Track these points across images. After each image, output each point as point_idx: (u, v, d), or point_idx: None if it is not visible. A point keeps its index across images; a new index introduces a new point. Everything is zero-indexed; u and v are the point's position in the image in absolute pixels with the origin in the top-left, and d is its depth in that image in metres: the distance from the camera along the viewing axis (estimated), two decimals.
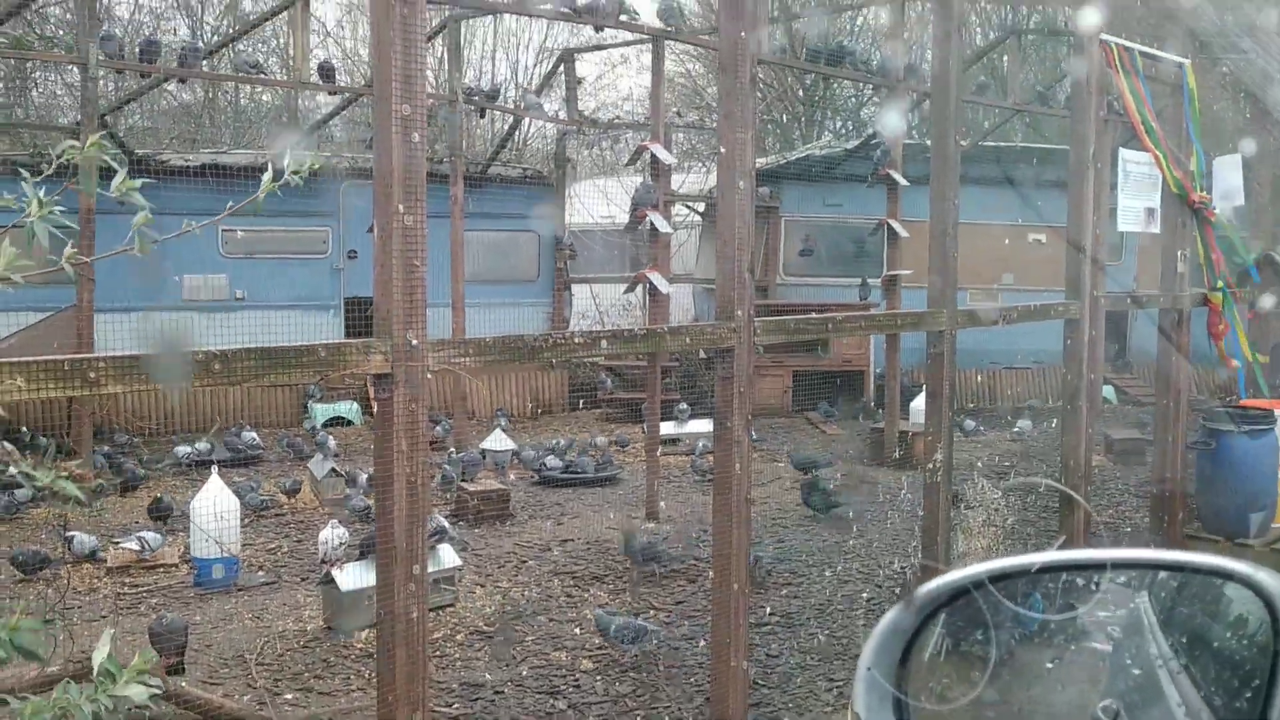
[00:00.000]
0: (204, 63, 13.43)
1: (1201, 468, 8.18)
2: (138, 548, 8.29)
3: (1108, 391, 15.51)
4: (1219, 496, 8.03)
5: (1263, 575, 1.93)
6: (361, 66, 25.27)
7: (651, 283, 9.87)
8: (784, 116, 25.14)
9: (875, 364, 15.84)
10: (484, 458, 11.70)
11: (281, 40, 23.69)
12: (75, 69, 15.36)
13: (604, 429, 14.59)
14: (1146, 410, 13.23)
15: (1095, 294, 7.31)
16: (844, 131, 24.01)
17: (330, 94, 14.75)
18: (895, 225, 12.93)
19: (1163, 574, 2.43)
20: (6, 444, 2.60)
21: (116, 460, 11.44)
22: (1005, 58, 18.02)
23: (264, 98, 24.37)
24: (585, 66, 22.37)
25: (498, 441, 12.30)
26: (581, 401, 16.29)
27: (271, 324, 14.28)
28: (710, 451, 9.80)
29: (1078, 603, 2.40)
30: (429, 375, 3.83)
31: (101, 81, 14.10)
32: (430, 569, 5.88)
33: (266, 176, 3.10)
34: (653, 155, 10.50)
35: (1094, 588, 2.40)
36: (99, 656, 2.44)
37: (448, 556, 7.45)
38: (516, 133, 20.84)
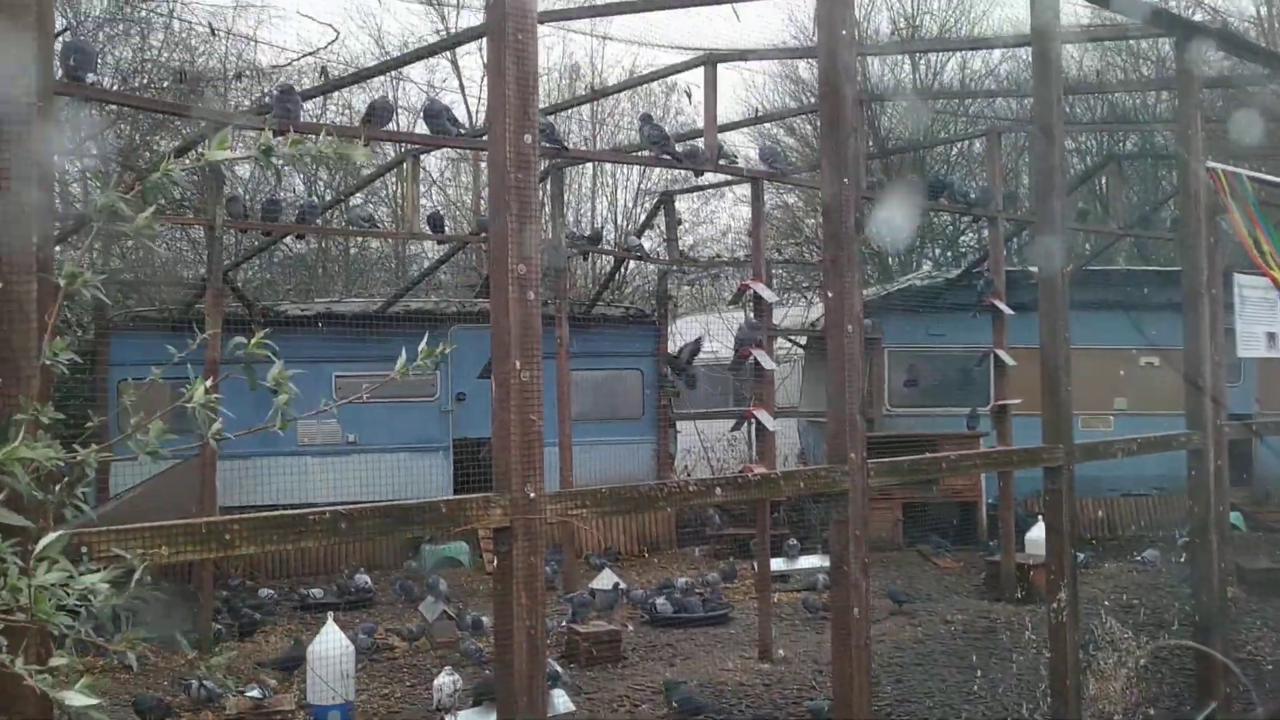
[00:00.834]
0: (319, 219, 14.02)
1: None
2: (259, 695, 8.38)
3: (1235, 518, 14.92)
4: None
5: None
6: (464, 212, 26.17)
7: (758, 420, 9.88)
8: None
9: (987, 494, 15.50)
10: (593, 598, 11.65)
11: (390, 190, 24.69)
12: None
13: (713, 566, 14.44)
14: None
15: (1218, 424, 7.10)
16: (943, 260, 23.99)
17: (439, 243, 15.24)
18: (1002, 355, 12.79)
19: None
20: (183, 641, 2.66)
21: (235, 605, 11.65)
22: (1105, 180, 17.98)
23: (372, 244, 25.29)
24: (683, 201, 22.88)
25: (606, 581, 12.25)
26: (697, 550, 16.12)
27: (383, 467, 14.56)
28: (827, 588, 9.64)
29: None
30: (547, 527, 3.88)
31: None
32: None
33: (400, 360, 3.18)
34: (755, 294, 10.61)
35: None
36: None
37: (561, 702, 7.40)
38: (618, 272, 21.24)
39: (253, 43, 25.36)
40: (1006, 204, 13.52)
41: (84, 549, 2.59)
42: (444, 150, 19.92)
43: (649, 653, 10.19)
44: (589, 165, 25.37)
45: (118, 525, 2.90)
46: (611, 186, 27.35)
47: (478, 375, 14.64)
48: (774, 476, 5.00)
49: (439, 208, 21.68)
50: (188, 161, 3.07)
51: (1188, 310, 7.12)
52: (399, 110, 21.20)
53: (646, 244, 18.02)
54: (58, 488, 2.52)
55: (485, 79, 26.03)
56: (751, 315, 10.81)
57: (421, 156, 13.75)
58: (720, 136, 11.05)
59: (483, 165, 25.31)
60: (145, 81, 17.54)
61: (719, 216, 29.45)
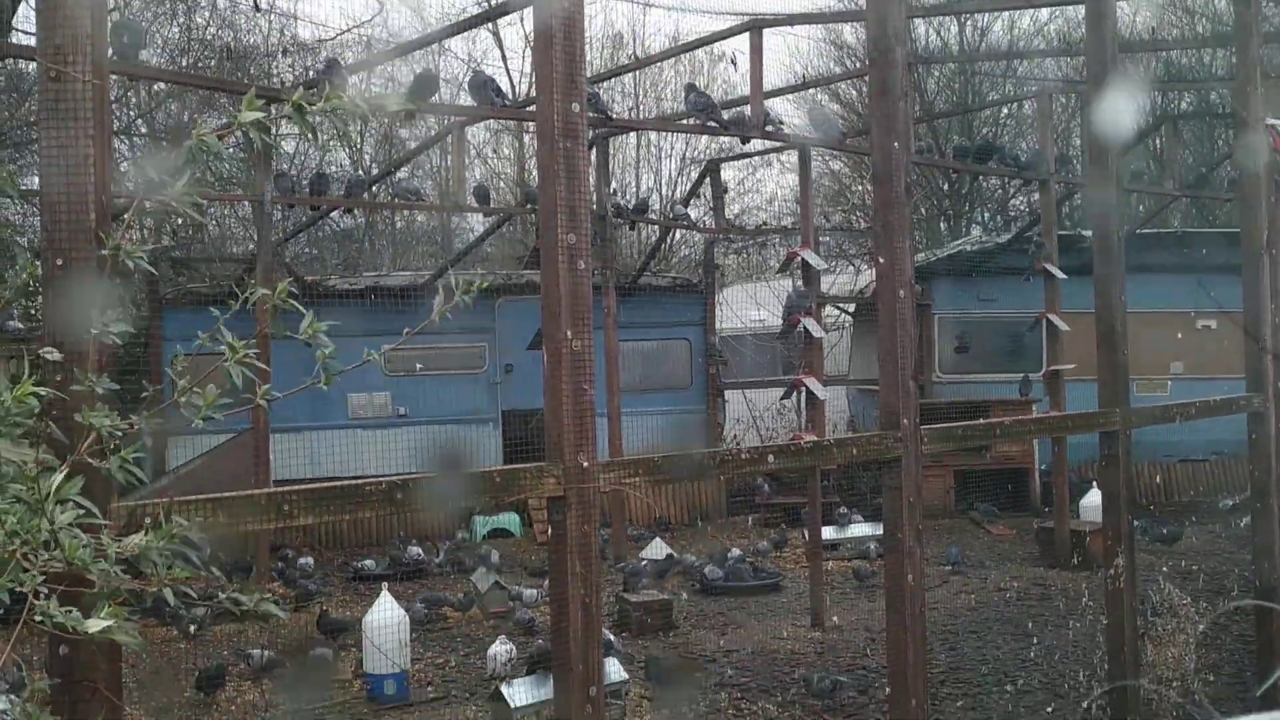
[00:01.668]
0: (365, 193, 14.07)
1: None
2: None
3: None
4: None
5: None
6: (509, 183, 26.18)
7: (808, 388, 9.83)
8: (930, 211, 24.97)
9: (1040, 461, 15.34)
10: (645, 566, 11.68)
11: (434, 163, 24.74)
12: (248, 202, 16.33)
13: (763, 534, 14.43)
14: None
15: (1279, 385, 6.98)
16: (993, 225, 23.69)
17: (485, 215, 15.25)
18: (1055, 319, 12.62)
19: None
20: (215, 570, 2.72)
21: (291, 576, 11.80)
22: (1161, 141, 17.65)
23: (419, 218, 25.36)
24: (729, 170, 22.76)
25: (657, 550, 12.28)
26: (750, 519, 16.07)
27: (433, 439, 14.66)
28: (879, 556, 9.60)
29: None
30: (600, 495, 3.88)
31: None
32: None
33: (438, 299, 3.20)
34: (804, 261, 10.53)
35: None
36: None
37: (615, 670, 7.41)
38: (664, 242, 21.17)
39: (295, 19, 25.51)
40: (1058, 167, 13.30)
41: (147, 519, 2.62)
42: (487, 122, 19.89)
43: (700, 621, 10.22)
44: (633, 135, 25.26)
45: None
46: (656, 156, 27.23)
47: (526, 347, 14.68)
48: (827, 443, 4.97)
49: (483, 181, 21.69)
50: (227, 131, 3.08)
51: (1247, 271, 6.99)
52: (441, 83, 21.18)
53: (693, 213, 17.94)
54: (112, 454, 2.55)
55: (526, 50, 25.99)
56: (800, 283, 10.73)
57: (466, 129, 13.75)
58: (766, 103, 10.94)
59: (526, 137, 25.30)
60: (193, 60, 17.66)
61: (765, 185, 29.29)
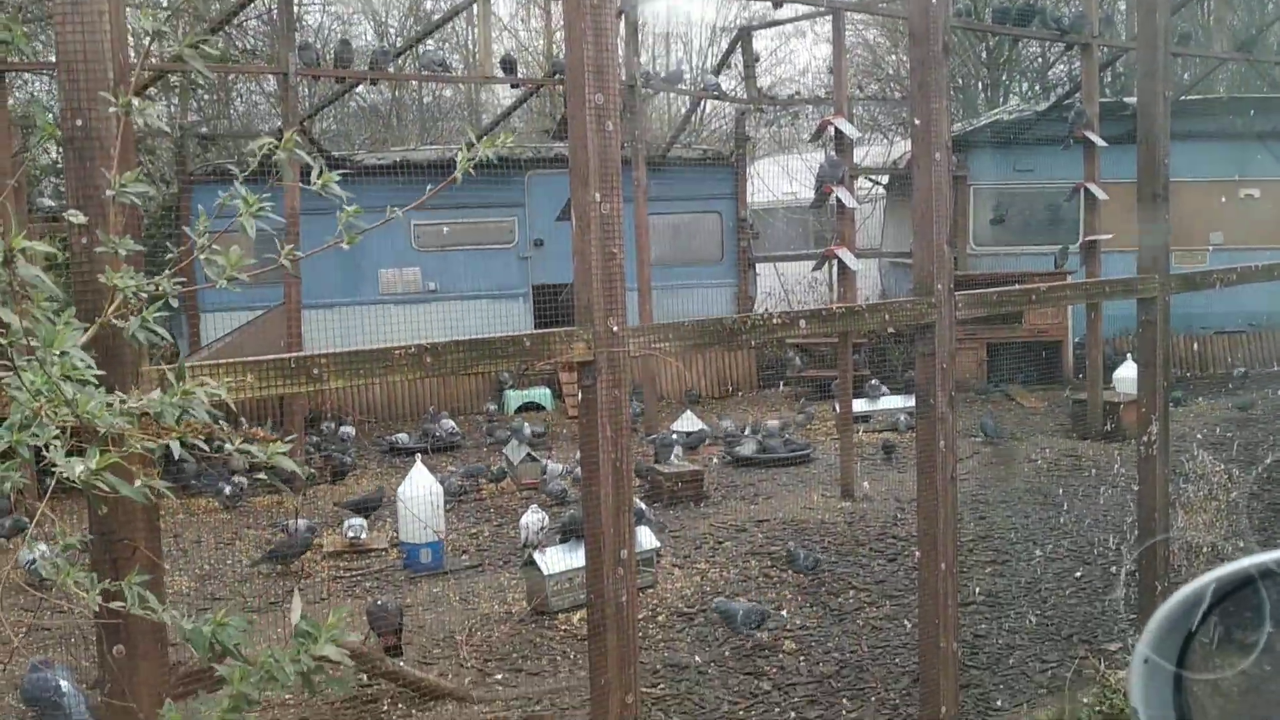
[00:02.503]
0: (391, 66, 13.86)
1: None
2: (354, 535, 8.66)
3: None
4: None
5: None
6: (537, 56, 25.73)
7: (840, 259, 9.72)
8: (966, 80, 24.38)
9: (1074, 333, 15.22)
10: (676, 437, 11.76)
11: (461, 37, 24.32)
12: (273, 78, 16.13)
13: (794, 407, 14.47)
14: None
15: None
16: (1030, 94, 23.11)
17: (512, 86, 15.01)
18: (1093, 188, 12.36)
19: None
20: (222, 422, 2.70)
21: (326, 449, 11.98)
22: (1209, 2, 17.07)
23: (445, 93, 25.03)
24: (761, 40, 22.21)
25: (689, 423, 12.35)
26: (782, 385, 16.11)
27: (463, 314, 14.69)
28: (911, 428, 9.60)
29: None
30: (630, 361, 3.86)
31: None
32: None
33: (462, 154, 3.15)
34: (836, 130, 10.32)
35: None
36: (295, 617, 2.50)
37: (646, 539, 7.51)
38: (695, 114, 20.81)
39: None
40: (1103, 29, 12.88)
41: (177, 380, 2.62)
42: None
43: (730, 492, 10.31)
44: (663, 3, 24.69)
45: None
46: (685, 23, 26.62)
47: (556, 217, 14.60)
48: (859, 308, 4.92)
49: (511, 52, 21.32)
50: None
51: None
52: None
53: (724, 84, 17.58)
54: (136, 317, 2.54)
55: None
56: (832, 153, 10.53)
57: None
58: None
59: (554, 8, 24.77)
60: None
61: (798, 56, 28.58)
